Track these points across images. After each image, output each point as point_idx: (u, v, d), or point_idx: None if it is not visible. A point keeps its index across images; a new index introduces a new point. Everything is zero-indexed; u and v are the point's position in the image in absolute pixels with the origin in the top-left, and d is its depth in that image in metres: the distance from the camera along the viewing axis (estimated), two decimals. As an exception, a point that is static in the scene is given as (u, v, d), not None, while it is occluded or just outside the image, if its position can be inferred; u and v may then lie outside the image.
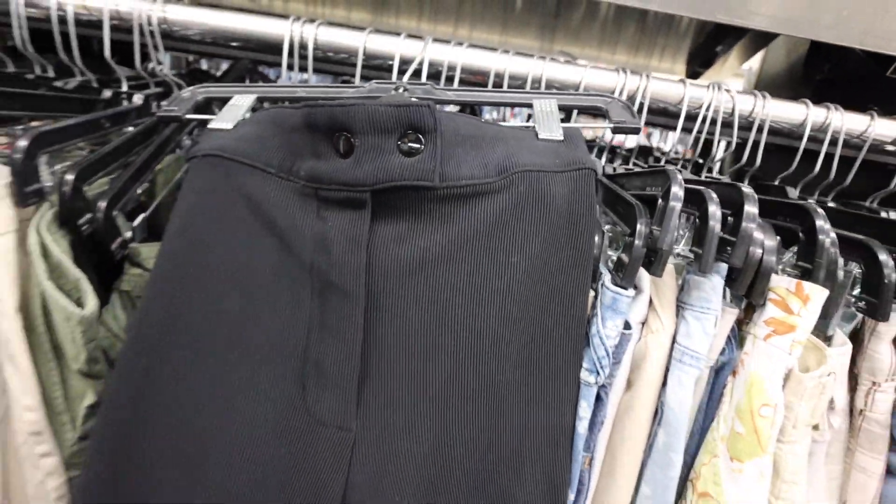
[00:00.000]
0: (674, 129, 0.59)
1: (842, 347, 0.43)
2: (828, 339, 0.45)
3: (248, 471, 0.38)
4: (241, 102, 0.45)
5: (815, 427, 0.43)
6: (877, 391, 0.45)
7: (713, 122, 0.58)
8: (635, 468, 0.45)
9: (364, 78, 0.57)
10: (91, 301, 0.43)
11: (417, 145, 0.35)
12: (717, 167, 0.86)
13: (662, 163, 0.83)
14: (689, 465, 0.46)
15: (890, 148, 0.60)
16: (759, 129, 0.57)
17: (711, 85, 0.59)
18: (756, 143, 0.58)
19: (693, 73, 1.21)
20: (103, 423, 0.39)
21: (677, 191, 0.39)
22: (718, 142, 0.63)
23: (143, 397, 0.39)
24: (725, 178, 0.64)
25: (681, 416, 0.42)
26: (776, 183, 0.62)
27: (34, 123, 0.52)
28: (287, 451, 0.37)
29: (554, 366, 0.39)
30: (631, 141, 1.44)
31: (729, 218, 0.41)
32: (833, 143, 0.58)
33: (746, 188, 0.40)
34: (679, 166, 0.79)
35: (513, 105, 0.47)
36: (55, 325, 0.44)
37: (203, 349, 0.38)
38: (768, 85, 1.09)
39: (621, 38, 1.25)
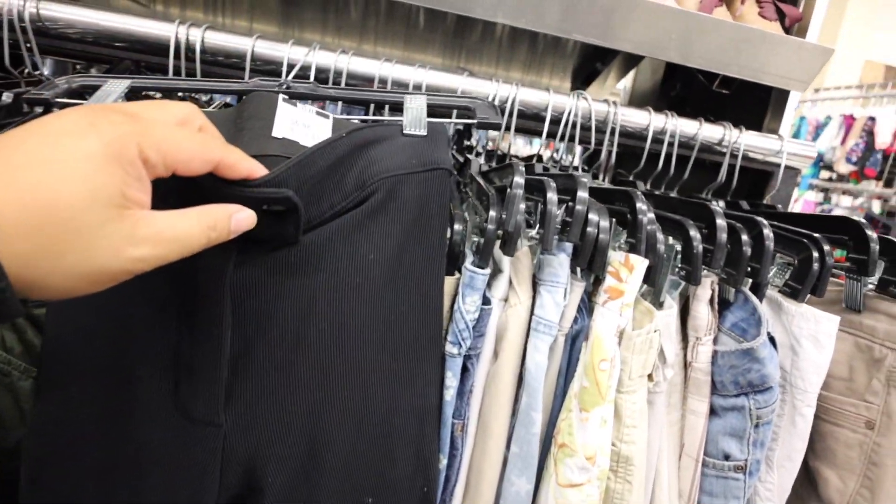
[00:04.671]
0: (541, 133, 0.66)
1: (667, 310, 0.51)
2: (661, 305, 0.53)
3: (134, 478, 0.40)
4: (111, 90, 0.45)
5: (650, 378, 0.50)
6: (699, 345, 0.53)
7: (574, 125, 0.66)
8: (504, 430, 0.50)
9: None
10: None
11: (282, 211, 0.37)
12: (604, 174, 0.96)
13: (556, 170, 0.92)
14: (553, 424, 0.52)
15: (717, 147, 0.71)
16: (612, 132, 0.66)
17: (574, 94, 0.68)
18: (613, 145, 0.67)
19: (575, 89, 1.33)
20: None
21: (519, 180, 0.45)
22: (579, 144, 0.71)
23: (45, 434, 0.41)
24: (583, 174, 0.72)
25: (537, 377, 0.48)
26: (630, 178, 0.72)
27: None
28: (167, 452, 0.39)
29: (414, 348, 0.43)
30: (525, 151, 1.54)
31: (569, 203, 0.48)
32: (671, 143, 0.68)
33: (581, 176, 0.47)
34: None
35: (385, 102, 0.51)
36: None
37: (88, 379, 0.40)
38: (637, 101, 1.23)
39: (515, 57, 1.35)
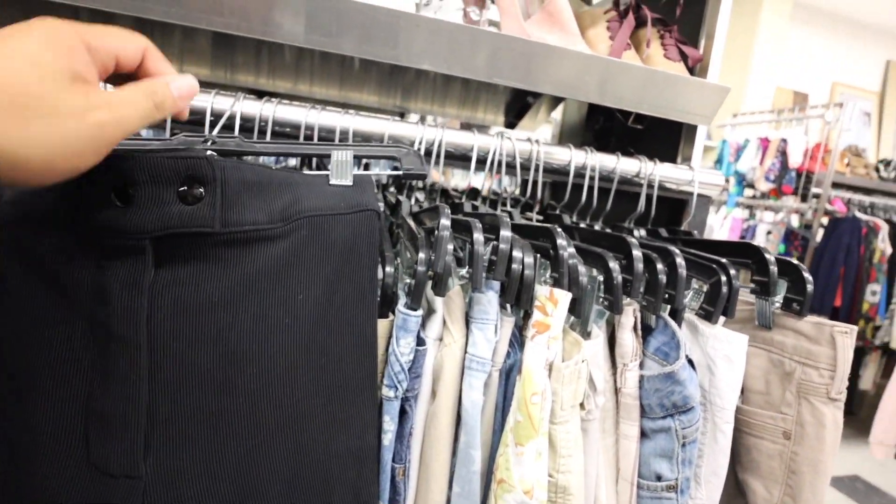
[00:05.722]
0: (469, 170, 0.68)
1: (594, 340, 0.54)
2: (588, 335, 0.56)
3: None
4: None
5: (582, 406, 0.52)
6: (626, 371, 0.56)
7: (501, 164, 0.69)
8: (445, 470, 0.50)
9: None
10: None
11: (200, 191, 0.38)
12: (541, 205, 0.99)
13: (493, 203, 0.94)
14: (493, 460, 0.52)
15: (635, 179, 0.76)
16: (537, 169, 0.70)
17: (497, 134, 0.71)
18: (537, 180, 0.70)
19: (510, 123, 1.39)
20: None
21: (445, 223, 0.47)
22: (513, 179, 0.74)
23: None
24: (515, 212, 0.75)
25: (474, 415, 0.49)
26: (557, 212, 0.75)
27: None
28: None
29: (349, 389, 0.43)
30: (472, 181, 1.57)
31: (493, 242, 0.50)
32: (592, 177, 0.72)
33: (503, 216, 0.49)
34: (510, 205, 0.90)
35: (313, 156, 0.52)
36: None
37: None
38: (566, 132, 1.30)
39: (449, 94, 1.39)
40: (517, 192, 0.87)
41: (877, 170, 3.74)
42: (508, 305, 0.54)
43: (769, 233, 3.57)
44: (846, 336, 0.56)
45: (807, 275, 0.59)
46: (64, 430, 0.37)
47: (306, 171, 0.49)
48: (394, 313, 0.49)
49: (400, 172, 0.52)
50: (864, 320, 3.13)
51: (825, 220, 3.22)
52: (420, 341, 0.48)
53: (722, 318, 0.59)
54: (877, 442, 1.96)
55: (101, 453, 0.37)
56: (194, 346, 0.38)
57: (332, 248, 0.42)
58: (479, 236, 0.48)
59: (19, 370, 0.38)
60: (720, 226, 3.93)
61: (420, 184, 0.92)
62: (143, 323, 0.36)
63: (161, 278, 0.37)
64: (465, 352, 0.50)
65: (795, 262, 0.60)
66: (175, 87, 0.35)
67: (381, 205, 0.62)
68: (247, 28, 0.60)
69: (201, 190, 0.37)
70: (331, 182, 0.46)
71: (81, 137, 0.29)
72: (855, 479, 2.58)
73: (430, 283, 0.51)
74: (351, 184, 0.46)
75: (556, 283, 0.51)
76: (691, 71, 0.84)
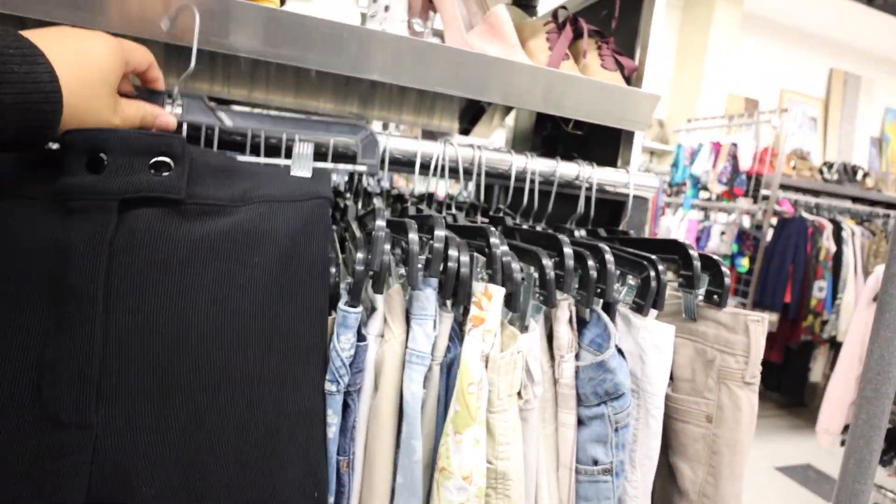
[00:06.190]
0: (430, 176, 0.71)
1: (531, 333, 0.57)
2: (526, 329, 0.59)
3: None
4: None
5: (520, 396, 0.55)
6: (563, 362, 0.59)
7: (445, 169, 0.72)
8: (388, 462, 0.52)
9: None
10: None
11: (170, 165, 0.42)
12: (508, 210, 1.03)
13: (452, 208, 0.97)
14: (436, 450, 0.55)
15: (575, 182, 0.80)
16: (479, 174, 0.73)
17: (442, 140, 0.73)
18: (481, 184, 0.74)
19: (464, 129, 1.43)
20: None
21: (381, 223, 0.49)
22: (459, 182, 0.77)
23: None
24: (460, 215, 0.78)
25: (414, 407, 0.51)
26: (500, 214, 0.79)
27: None
28: (26, 461, 0.38)
29: (298, 352, 0.45)
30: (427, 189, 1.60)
31: (432, 242, 0.52)
32: (533, 181, 0.75)
33: (438, 216, 0.52)
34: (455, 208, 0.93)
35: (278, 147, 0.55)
36: None
37: None
38: (518, 138, 1.34)
39: (406, 102, 1.42)
40: (478, 197, 0.90)
41: (821, 172, 3.94)
42: (449, 302, 0.56)
43: (723, 233, 3.71)
44: (758, 324, 0.61)
45: (724, 269, 0.64)
46: (16, 380, 0.38)
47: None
48: (336, 311, 0.51)
49: (359, 167, 0.55)
50: (812, 315, 3.29)
51: (775, 221, 3.38)
52: (361, 337, 0.50)
53: (654, 312, 0.64)
54: (823, 430, 2.06)
55: (52, 402, 0.38)
56: (151, 302, 0.40)
57: (287, 225, 0.45)
58: (413, 236, 0.51)
59: None
60: (677, 227, 4.07)
61: (377, 188, 0.94)
62: (100, 277, 0.38)
63: (125, 238, 0.40)
64: (406, 347, 0.52)
65: (715, 257, 0.65)
66: (161, 120, 0.50)
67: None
68: (200, 41, 0.61)
69: (171, 165, 0.41)
70: (292, 174, 0.50)
71: (99, 113, 0.42)
72: (807, 468, 2.71)
73: (371, 281, 0.53)
74: (310, 175, 0.50)
75: (491, 279, 0.54)
76: (628, 80, 0.89)
